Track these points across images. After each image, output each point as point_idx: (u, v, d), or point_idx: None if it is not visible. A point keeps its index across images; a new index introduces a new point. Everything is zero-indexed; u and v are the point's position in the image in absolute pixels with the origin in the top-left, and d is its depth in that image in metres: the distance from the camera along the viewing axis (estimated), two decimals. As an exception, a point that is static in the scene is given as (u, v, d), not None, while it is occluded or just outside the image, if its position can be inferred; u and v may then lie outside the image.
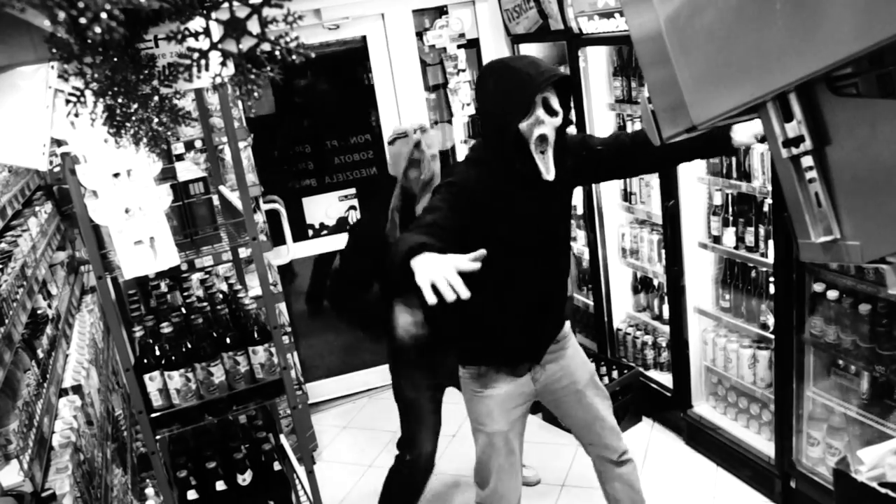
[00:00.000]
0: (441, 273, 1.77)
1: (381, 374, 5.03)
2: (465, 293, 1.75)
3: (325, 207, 4.80)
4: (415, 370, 3.05)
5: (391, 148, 2.94)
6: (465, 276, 2.26)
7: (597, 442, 2.75)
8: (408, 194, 2.88)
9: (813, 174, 1.13)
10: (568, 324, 2.70)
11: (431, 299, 1.76)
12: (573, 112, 4.12)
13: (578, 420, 2.72)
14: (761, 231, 3.26)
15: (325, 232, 4.80)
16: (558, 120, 2.24)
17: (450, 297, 1.74)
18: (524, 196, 2.31)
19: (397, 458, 3.21)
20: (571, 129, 3.91)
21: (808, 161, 1.13)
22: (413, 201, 2.88)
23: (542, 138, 2.20)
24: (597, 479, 2.86)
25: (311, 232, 4.77)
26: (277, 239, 4.38)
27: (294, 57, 0.85)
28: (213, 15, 0.86)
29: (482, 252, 1.83)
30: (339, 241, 4.79)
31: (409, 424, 3.13)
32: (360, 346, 5.30)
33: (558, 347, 2.63)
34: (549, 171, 2.23)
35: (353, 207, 4.84)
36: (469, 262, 1.80)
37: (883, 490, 1.86)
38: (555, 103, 2.22)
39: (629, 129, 3.98)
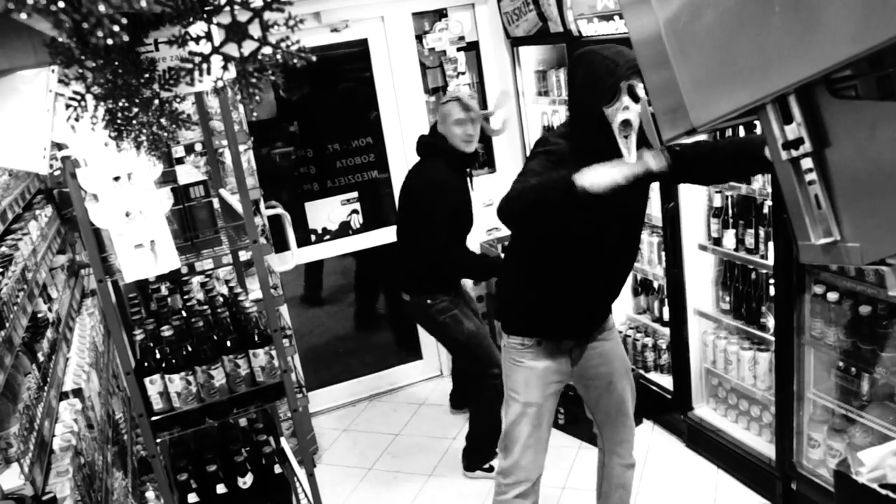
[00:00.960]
0: (618, 173, 2.04)
1: (382, 379, 5.04)
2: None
3: (327, 212, 4.79)
4: (465, 306, 3.78)
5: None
6: (533, 245, 2.52)
7: (614, 435, 2.84)
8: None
9: (812, 176, 1.13)
10: (612, 316, 2.80)
11: (623, 175, 2.06)
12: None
13: (604, 408, 2.81)
14: (761, 233, 3.26)
15: (327, 237, 4.79)
16: (640, 106, 2.28)
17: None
18: None
19: (483, 383, 3.73)
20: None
21: (807, 163, 1.14)
22: None
23: (626, 123, 2.25)
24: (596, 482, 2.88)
25: (313, 237, 4.76)
26: (281, 245, 4.37)
27: (295, 60, 0.85)
28: (215, 19, 0.87)
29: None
30: (343, 246, 4.81)
31: (481, 349, 3.73)
32: (360, 350, 5.32)
33: (603, 337, 2.73)
34: (631, 155, 2.26)
35: (355, 211, 4.84)
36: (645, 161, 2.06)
37: (884, 491, 1.86)
38: (640, 91, 2.26)
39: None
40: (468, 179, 3.71)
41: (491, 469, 3.87)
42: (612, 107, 2.27)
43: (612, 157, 2.28)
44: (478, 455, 3.95)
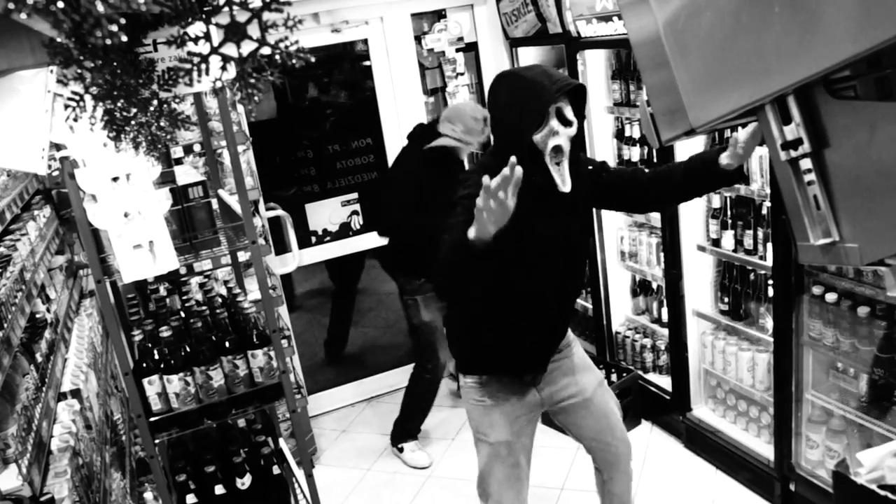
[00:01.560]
0: (492, 194, 1.76)
1: (381, 382, 5.03)
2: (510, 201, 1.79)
3: (328, 213, 4.78)
4: (430, 299, 3.90)
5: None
6: (476, 279, 2.25)
7: (606, 453, 2.70)
8: None
9: (811, 177, 1.13)
10: (570, 331, 2.64)
11: (493, 225, 1.82)
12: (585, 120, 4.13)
13: (587, 430, 2.66)
14: (760, 234, 3.26)
15: (328, 238, 4.78)
16: (573, 130, 2.19)
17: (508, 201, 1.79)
18: (539, 208, 2.23)
19: (418, 368, 4.14)
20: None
21: (806, 164, 1.14)
22: None
23: (557, 149, 2.16)
24: (595, 484, 2.85)
25: (314, 239, 4.75)
26: (281, 247, 4.36)
27: (294, 61, 0.85)
28: (213, 19, 0.87)
29: (513, 159, 1.77)
30: (343, 247, 4.80)
31: (427, 341, 4.03)
32: (360, 353, 5.33)
33: (561, 356, 2.57)
34: (565, 183, 2.20)
35: (355, 212, 4.83)
36: (508, 172, 1.76)
37: (882, 492, 1.86)
38: (569, 113, 2.18)
39: (627, 134, 3.99)
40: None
41: (401, 450, 4.24)
42: (541, 133, 2.15)
43: (546, 188, 2.19)
44: (397, 431, 4.28)
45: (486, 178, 1.76)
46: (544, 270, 2.32)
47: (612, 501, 2.81)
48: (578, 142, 4.12)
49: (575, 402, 2.60)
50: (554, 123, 2.15)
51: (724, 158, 2.16)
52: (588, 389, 2.60)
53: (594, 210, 4.21)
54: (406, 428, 4.25)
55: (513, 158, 1.77)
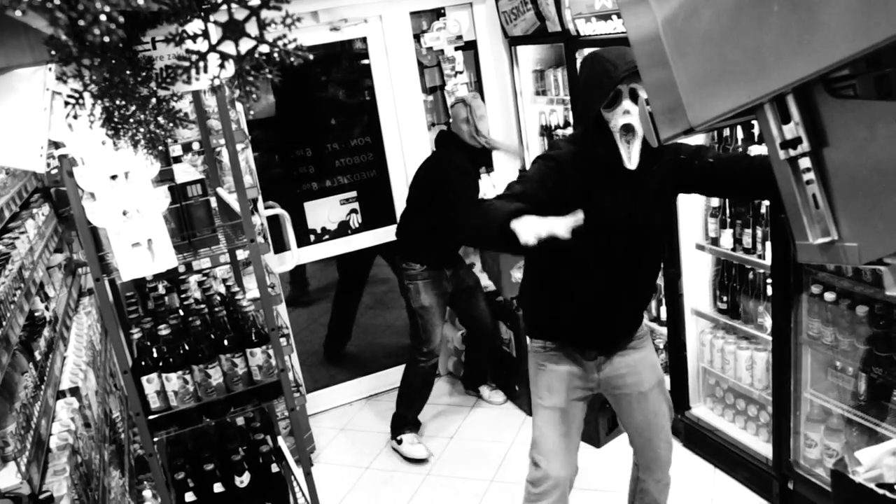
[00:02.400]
0: (544, 231, 1.89)
1: (380, 380, 5.03)
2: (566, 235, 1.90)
3: (326, 211, 4.78)
4: (439, 287, 4.11)
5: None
6: (545, 252, 2.33)
7: (646, 451, 2.73)
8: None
9: (810, 176, 1.13)
10: (646, 326, 2.70)
11: (533, 242, 1.91)
12: (570, 113, 4.13)
13: (634, 422, 2.70)
14: (758, 233, 3.26)
15: (326, 237, 4.78)
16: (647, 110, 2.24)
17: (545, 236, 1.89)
18: (605, 183, 2.32)
19: (413, 353, 4.23)
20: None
21: (805, 163, 1.14)
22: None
23: (628, 127, 2.22)
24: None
25: (312, 237, 4.75)
26: (279, 246, 4.35)
27: (292, 59, 0.85)
28: (212, 17, 0.86)
29: (580, 215, 1.91)
30: (343, 246, 4.80)
31: (423, 326, 4.14)
32: (359, 352, 5.33)
33: (632, 346, 2.62)
34: (630, 160, 2.24)
35: (354, 211, 4.83)
36: (569, 223, 1.89)
37: (881, 491, 1.86)
38: (643, 94, 2.21)
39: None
40: (479, 175, 4.13)
41: (400, 442, 4.26)
42: (613, 110, 2.22)
43: (612, 163, 2.26)
44: (395, 422, 4.33)
45: (560, 223, 1.91)
46: (610, 246, 2.38)
47: (642, 499, 2.83)
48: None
49: (629, 393, 2.65)
50: (626, 103, 2.22)
51: None
52: (645, 385, 2.64)
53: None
54: (404, 417, 4.30)
55: (580, 215, 1.93)
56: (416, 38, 4.66)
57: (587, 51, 3.93)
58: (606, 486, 3.58)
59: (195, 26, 0.87)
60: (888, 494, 1.81)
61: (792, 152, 1.14)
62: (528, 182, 2.29)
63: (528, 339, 2.70)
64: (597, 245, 2.34)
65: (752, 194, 2.71)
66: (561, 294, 2.52)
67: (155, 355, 2.51)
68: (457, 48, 4.72)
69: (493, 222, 2.04)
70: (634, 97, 2.22)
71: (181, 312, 2.81)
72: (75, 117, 1.04)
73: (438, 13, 4.68)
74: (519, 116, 4.78)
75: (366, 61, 4.67)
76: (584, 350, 2.58)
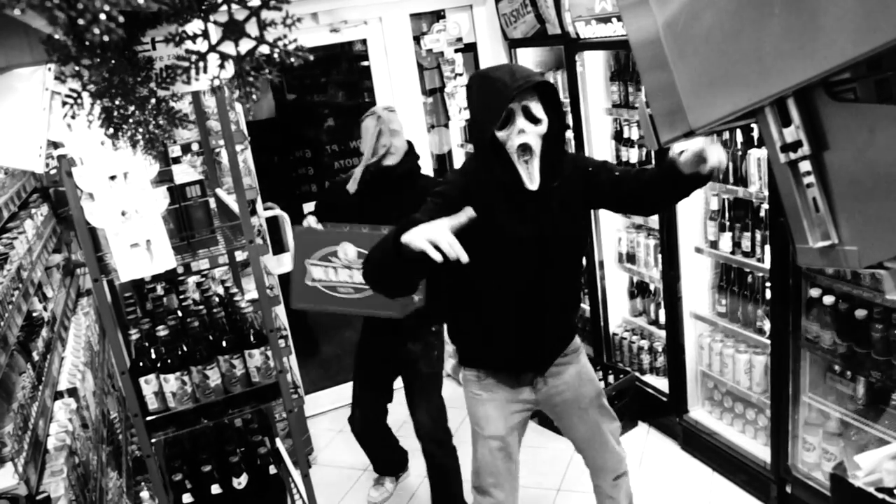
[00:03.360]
0: (436, 232, 1.86)
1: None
2: (464, 256, 1.84)
3: (326, 213, 4.76)
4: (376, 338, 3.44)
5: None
6: (458, 284, 2.34)
7: (595, 460, 2.72)
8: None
9: (811, 179, 1.13)
10: (578, 339, 2.65)
11: (437, 257, 1.85)
12: (569, 117, 4.13)
13: (580, 435, 2.68)
14: (758, 236, 3.26)
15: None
16: (542, 127, 2.18)
17: (450, 254, 1.84)
18: (508, 206, 2.25)
19: (438, 449, 3.48)
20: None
21: (805, 166, 1.14)
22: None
23: (525, 147, 2.16)
24: (591, 484, 2.86)
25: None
26: (278, 247, 4.35)
27: (292, 59, 0.84)
28: (212, 17, 0.86)
29: (470, 211, 1.88)
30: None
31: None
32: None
33: (565, 361, 2.57)
34: (532, 181, 2.18)
35: None
36: (460, 219, 1.86)
37: (880, 495, 1.86)
38: (537, 111, 2.18)
39: (625, 135, 3.98)
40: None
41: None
42: (507, 130, 2.17)
43: (513, 185, 2.21)
44: None
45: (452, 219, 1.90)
46: (521, 269, 2.31)
47: (606, 498, 2.81)
48: (577, 143, 4.14)
49: (570, 409, 2.62)
50: (520, 121, 2.15)
51: (674, 150, 2.17)
52: (584, 400, 2.61)
53: (592, 211, 4.21)
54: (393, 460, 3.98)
55: (470, 211, 1.90)
56: (416, 40, 4.66)
57: (587, 53, 3.94)
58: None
59: (195, 26, 0.86)
60: (887, 499, 1.81)
61: (792, 155, 1.14)
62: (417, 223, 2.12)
63: (461, 368, 2.62)
64: (508, 265, 2.30)
65: (657, 207, 2.68)
66: (485, 321, 2.44)
67: (153, 356, 2.51)
68: (457, 50, 4.72)
69: (387, 246, 2.02)
70: (528, 115, 2.17)
71: (179, 313, 2.81)
72: (73, 117, 1.04)
73: (438, 15, 4.68)
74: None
75: (365, 63, 4.67)
76: (518, 374, 2.52)
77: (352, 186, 3.17)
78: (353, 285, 3.01)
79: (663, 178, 2.27)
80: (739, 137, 3.29)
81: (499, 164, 2.19)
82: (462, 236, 1.98)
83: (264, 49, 0.85)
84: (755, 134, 3.19)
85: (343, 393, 4.95)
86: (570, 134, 4.36)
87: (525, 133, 2.15)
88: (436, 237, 1.87)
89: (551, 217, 2.31)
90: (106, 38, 0.67)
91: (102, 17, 0.65)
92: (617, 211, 2.70)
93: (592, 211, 4.22)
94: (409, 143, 3.25)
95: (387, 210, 2.86)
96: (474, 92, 2.25)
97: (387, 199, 3.12)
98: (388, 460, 3.95)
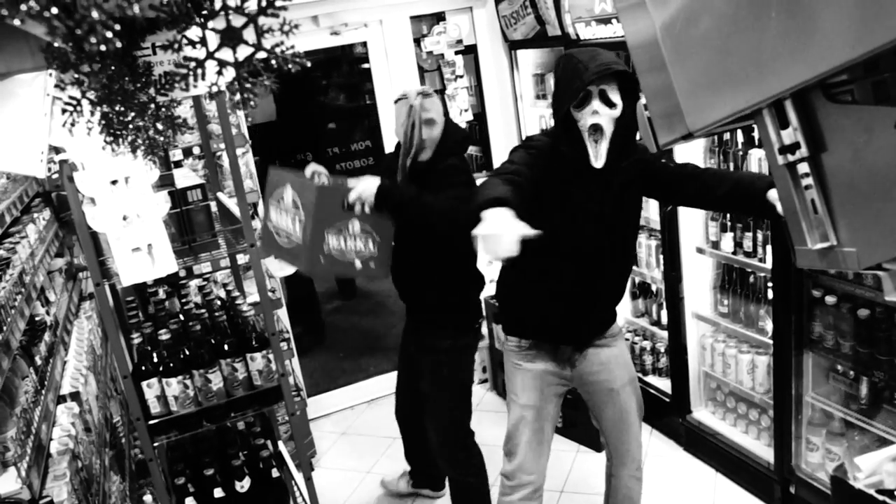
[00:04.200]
0: (501, 237, 1.86)
1: (380, 384, 5.02)
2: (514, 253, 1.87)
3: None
4: None
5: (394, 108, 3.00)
6: (523, 251, 2.33)
7: (618, 446, 2.79)
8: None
9: (809, 181, 1.13)
10: (618, 325, 2.76)
11: (483, 255, 1.93)
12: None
13: (607, 418, 2.76)
14: (759, 236, 3.26)
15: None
16: (616, 112, 2.30)
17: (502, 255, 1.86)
18: (575, 180, 2.39)
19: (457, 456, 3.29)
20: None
21: (804, 168, 1.14)
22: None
23: (596, 127, 2.29)
24: (595, 486, 2.87)
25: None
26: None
27: (290, 66, 0.85)
28: (210, 24, 0.86)
29: (537, 232, 1.91)
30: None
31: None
32: (359, 356, 5.33)
33: (604, 343, 2.68)
34: (597, 159, 2.31)
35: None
36: (529, 233, 1.88)
37: (881, 497, 1.86)
38: (613, 96, 2.30)
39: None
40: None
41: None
42: (582, 110, 2.29)
43: (579, 161, 2.33)
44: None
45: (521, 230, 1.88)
46: (582, 241, 2.44)
47: (616, 494, 2.88)
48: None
49: (601, 389, 2.71)
50: (596, 103, 2.29)
51: (773, 193, 2.18)
52: (617, 382, 2.70)
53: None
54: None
55: (537, 232, 1.90)
56: (417, 42, 4.66)
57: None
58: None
59: (193, 33, 0.87)
60: (888, 501, 1.80)
61: (790, 157, 1.14)
62: (517, 163, 2.33)
63: (503, 336, 2.73)
64: (571, 236, 2.42)
65: (687, 202, 2.71)
66: (538, 287, 2.56)
67: (155, 360, 2.51)
68: (457, 52, 4.73)
69: (462, 218, 2.07)
70: (604, 98, 2.29)
71: (181, 317, 2.81)
72: (73, 125, 1.04)
73: (439, 17, 4.69)
74: (519, 120, 4.78)
75: (366, 65, 4.67)
76: (558, 346, 2.64)
77: (399, 178, 2.93)
78: (287, 232, 2.74)
79: (737, 194, 2.33)
80: (740, 137, 3.29)
81: (567, 139, 2.33)
82: (539, 197, 2.20)
83: (262, 55, 0.85)
84: (756, 134, 3.18)
85: (346, 396, 4.97)
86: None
87: (598, 115, 2.28)
88: (497, 243, 1.87)
89: (613, 197, 2.44)
90: (104, 47, 0.67)
91: (100, 27, 0.65)
92: (656, 198, 2.78)
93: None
94: (447, 126, 2.95)
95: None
96: (560, 69, 2.37)
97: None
98: (420, 465, 3.73)
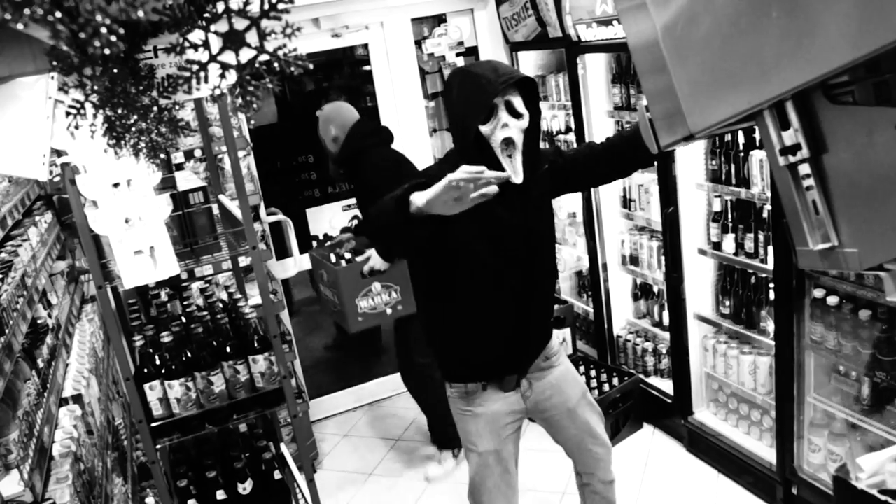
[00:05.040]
0: (455, 177, 1.80)
1: (382, 386, 5.03)
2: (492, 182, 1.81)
3: (328, 218, 4.79)
4: None
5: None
6: (436, 283, 2.39)
7: (588, 460, 2.72)
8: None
9: (810, 182, 1.13)
10: (556, 340, 2.65)
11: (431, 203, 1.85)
12: (571, 119, 4.14)
13: (571, 438, 2.68)
14: (760, 237, 3.26)
15: (328, 243, 4.78)
16: (524, 122, 2.23)
17: (481, 186, 1.81)
18: (495, 202, 2.18)
19: (416, 367, 3.88)
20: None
21: (805, 169, 1.14)
22: None
23: (508, 141, 2.20)
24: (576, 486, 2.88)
25: (314, 244, 4.75)
26: (282, 252, 4.36)
27: (293, 69, 0.85)
28: (212, 27, 0.87)
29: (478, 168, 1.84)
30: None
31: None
32: (362, 357, 5.32)
33: (548, 364, 2.58)
34: (517, 174, 2.22)
35: (356, 217, 4.83)
36: (463, 172, 1.81)
37: (883, 497, 1.86)
38: (519, 105, 2.21)
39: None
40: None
41: (455, 456, 4.09)
42: (491, 125, 2.19)
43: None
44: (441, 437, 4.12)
45: (471, 169, 1.82)
46: (509, 262, 2.33)
47: (593, 500, 2.83)
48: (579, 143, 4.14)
49: (560, 412, 2.62)
50: (503, 116, 2.19)
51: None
52: (572, 400, 2.62)
53: (595, 213, 4.22)
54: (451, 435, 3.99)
55: (499, 173, 1.85)
56: (418, 44, 4.67)
57: (588, 56, 3.95)
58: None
59: (196, 36, 0.87)
60: (890, 501, 1.80)
61: (791, 158, 1.14)
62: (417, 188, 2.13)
63: (447, 386, 2.57)
64: (496, 263, 2.32)
65: (611, 176, 2.67)
66: (465, 322, 2.43)
67: (157, 362, 2.52)
68: (458, 54, 4.74)
69: (390, 213, 1.99)
70: (511, 109, 2.21)
71: (183, 319, 2.81)
72: (76, 128, 1.05)
73: (440, 19, 4.70)
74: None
75: (367, 67, 4.68)
76: (501, 380, 2.50)
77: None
78: (333, 302, 3.76)
79: (628, 140, 2.34)
80: (741, 139, 3.29)
81: (482, 159, 2.16)
82: (454, 229, 2.06)
83: (265, 58, 0.85)
84: (757, 135, 3.18)
85: (348, 397, 4.97)
86: (571, 136, 4.37)
87: (508, 127, 2.19)
88: (438, 193, 1.85)
89: (534, 208, 2.37)
90: (107, 50, 0.67)
91: (103, 30, 0.65)
92: (573, 191, 2.74)
93: (596, 214, 4.24)
94: (353, 128, 3.68)
95: None
96: (456, 87, 2.26)
97: None
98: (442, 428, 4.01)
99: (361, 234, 3.84)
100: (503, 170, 2.19)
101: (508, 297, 2.37)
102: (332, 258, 3.76)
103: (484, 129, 2.19)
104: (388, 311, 3.68)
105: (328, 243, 4.00)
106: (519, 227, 2.33)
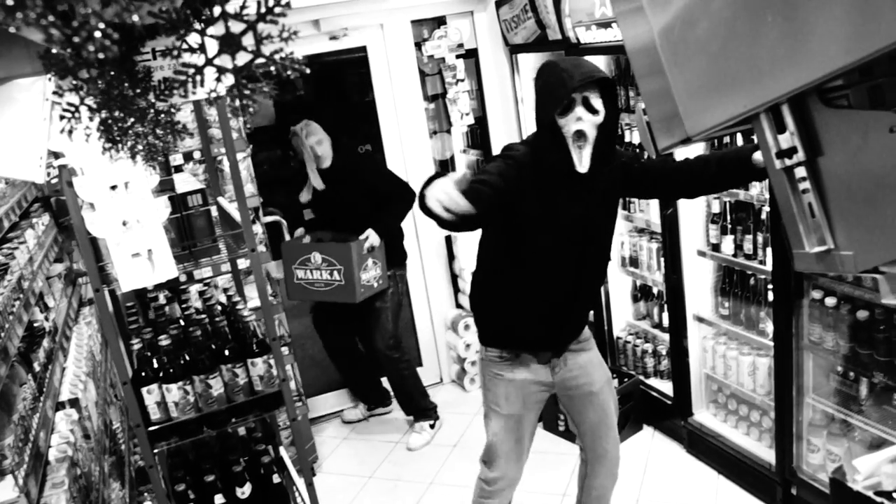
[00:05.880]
0: (441, 189, 1.99)
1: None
2: (464, 205, 1.99)
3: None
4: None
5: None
6: (499, 253, 2.54)
7: (597, 447, 2.83)
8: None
9: (806, 185, 1.13)
10: (588, 330, 2.80)
11: (446, 215, 2.01)
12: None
13: (588, 421, 2.81)
14: (759, 239, 3.26)
15: (296, 236, 4.76)
16: (598, 118, 2.36)
17: (451, 207, 1.98)
18: (562, 186, 2.43)
19: (390, 357, 4.32)
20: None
21: (801, 172, 1.14)
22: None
23: (580, 133, 2.34)
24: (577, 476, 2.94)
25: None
26: (279, 253, 4.36)
27: (289, 72, 0.85)
28: (209, 30, 0.86)
29: (468, 174, 2.09)
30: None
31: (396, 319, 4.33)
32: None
33: (579, 347, 2.73)
34: (581, 164, 2.36)
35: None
36: (464, 175, 2.04)
37: (878, 499, 1.86)
38: (596, 103, 2.35)
39: (626, 140, 3.98)
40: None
41: (433, 426, 4.51)
42: (566, 117, 2.34)
43: (565, 167, 2.39)
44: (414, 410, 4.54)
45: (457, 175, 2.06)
46: (564, 247, 2.49)
47: (589, 494, 2.94)
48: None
49: (582, 393, 2.76)
50: (579, 110, 2.33)
51: (757, 156, 2.28)
52: (597, 384, 2.76)
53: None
54: (422, 407, 4.48)
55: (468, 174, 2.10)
56: (418, 46, 4.67)
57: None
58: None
59: (192, 40, 0.87)
60: (886, 502, 1.80)
61: (787, 162, 1.14)
62: (487, 173, 2.37)
63: (482, 348, 2.75)
64: (556, 242, 2.47)
65: (679, 193, 2.86)
66: (517, 297, 2.58)
67: (155, 366, 2.51)
68: (458, 56, 4.73)
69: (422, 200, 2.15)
70: (588, 105, 2.34)
71: (182, 322, 2.81)
72: (71, 131, 1.05)
73: (439, 21, 4.69)
74: (520, 124, 4.78)
75: (367, 69, 4.67)
76: (537, 353, 2.67)
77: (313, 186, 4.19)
78: (326, 282, 4.11)
79: (727, 165, 2.40)
80: (739, 141, 3.28)
81: (554, 146, 2.38)
82: (522, 208, 2.33)
83: (261, 62, 0.85)
84: (754, 138, 3.18)
85: (347, 400, 4.96)
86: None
87: (582, 121, 2.34)
88: (439, 195, 1.99)
89: (595, 200, 2.50)
90: (102, 54, 0.67)
91: (97, 34, 0.65)
92: (641, 197, 2.98)
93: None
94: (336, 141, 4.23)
95: None
96: (542, 77, 2.44)
97: None
98: (364, 390, 4.75)
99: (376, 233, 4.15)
100: (570, 157, 2.36)
101: (560, 279, 2.54)
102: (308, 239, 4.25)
103: (560, 120, 2.35)
104: (375, 284, 4.11)
105: (295, 236, 4.34)
106: (580, 215, 2.47)
